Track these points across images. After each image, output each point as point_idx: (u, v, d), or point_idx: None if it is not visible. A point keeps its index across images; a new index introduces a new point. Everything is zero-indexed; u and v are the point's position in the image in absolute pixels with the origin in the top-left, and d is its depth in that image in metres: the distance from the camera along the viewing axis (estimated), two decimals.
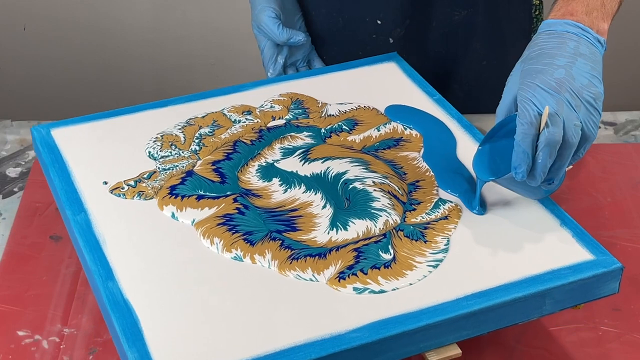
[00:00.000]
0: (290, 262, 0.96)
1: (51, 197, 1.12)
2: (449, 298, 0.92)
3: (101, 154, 1.10)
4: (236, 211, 1.02)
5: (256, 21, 1.24)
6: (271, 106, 1.18)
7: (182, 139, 1.12)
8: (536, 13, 1.31)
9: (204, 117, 1.16)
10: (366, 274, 0.94)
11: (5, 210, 1.20)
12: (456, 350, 0.93)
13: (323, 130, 1.14)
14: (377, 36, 1.30)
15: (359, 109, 1.18)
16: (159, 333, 0.88)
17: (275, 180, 1.06)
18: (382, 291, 0.93)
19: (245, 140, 1.12)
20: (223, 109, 1.17)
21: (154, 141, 1.12)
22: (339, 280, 0.94)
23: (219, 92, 1.21)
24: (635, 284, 1.08)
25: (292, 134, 1.13)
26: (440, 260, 0.96)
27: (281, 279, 0.94)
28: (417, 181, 1.07)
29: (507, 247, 0.98)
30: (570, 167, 0.96)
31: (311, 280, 0.94)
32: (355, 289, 0.93)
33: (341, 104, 1.19)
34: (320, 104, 1.19)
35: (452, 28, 1.29)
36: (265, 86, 1.22)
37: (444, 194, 1.05)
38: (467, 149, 1.11)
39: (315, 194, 1.04)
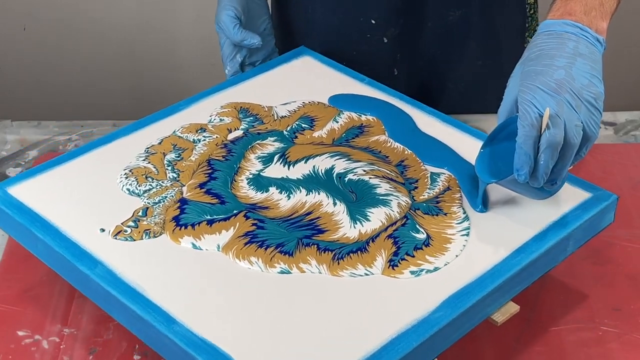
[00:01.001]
0: (338, 263, 0.96)
1: None
2: (497, 260, 0.96)
3: (76, 201, 1.03)
4: (255, 227, 1.00)
5: (217, 18, 1.22)
6: (220, 119, 1.16)
7: (154, 169, 1.07)
8: (531, 12, 1.33)
9: (160, 143, 1.12)
10: (413, 256, 0.97)
11: None
12: (515, 307, 0.98)
13: (285, 132, 1.14)
14: (372, 36, 1.30)
15: (306, 105, 1.18)
16: None
17: (273, 190, 1.05)
18: (436, 268, 0.96)
19: (217, 158, 1.09)
20: (174, 132, 1.13)
21: (126, 177, 1.06)
22: (393, 268, 0.95)
23: (159, 115, 1.16)
24: (635, 284, 1.08)
25: (259, 141, 1.12)
26: (468, 228, 1.00)
27: (337, 280, 0.94)
28: (402, 161, 1.10)
29: (516, 205, 1.03)
30: (571, 167, 0.98)
31: (366, 274, 0.95)
32: (412, 272, 0.95)
33: (285, 104, 1.19)
34: (266, 108, 1.18)
35: (447, 28, 1.29)
36: (200, 102, 1.19)
37: (430, 167, 1.09)
38: (426, 124, 1.15)
39: (319, 194, 1.04)
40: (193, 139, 1.12)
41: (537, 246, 0.98)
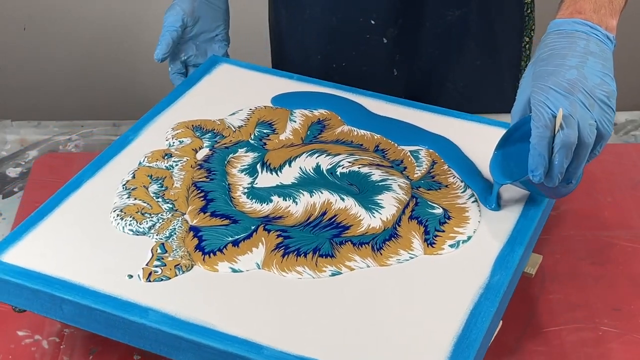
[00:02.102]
0: (380, 253, 0.97)
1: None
2: (516, 217, 1.01)
3: (81, 254, 0.97)
4: (282, 238, 0.98)
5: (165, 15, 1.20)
6: (180, 141, 1.12)
7: (145, 204, 1.02)
8: (528, 12, 1.32)
9: (134, 177, 1.06)
10: (443, 231, 1.00)
11: (5, 210, 1.19)
12: (539, 257, 1.04)
13: (252, 141, 1.12)
14: (371, 36, 1.27)
15: (256, 111, 1.17)
16: None
17: (276, 199, 1.03)
18: (469, 237, 0.99)
19: (201, 180, 1.06)
20: (141, 163, 1.08)
21: (122, 219, 1.00)
22: (432, 246, 0.98)
23: (113, 149, 1.10)
24: (635, 284, 1.08)
25: (232, 155, 1.10)
26: (474, 194, 1.05)
27: (387, 270, 0.96)
28: (377, 146, 1.12)
29: None
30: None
31: (411, 258, 0.97)
32: (450, 245, 0.98)
33: (234, 114, 1.17)
34: (218, 122, 1.15)
35: (446, 28, 1.28)
36: (146, 128, 1.14)
37: (405, 147, 1.12)
38: (377, 107, 1.18)
39: (322, 193, 1.04)
40: (165, 166, 1.08)
41: (540, 198, 1.04)
